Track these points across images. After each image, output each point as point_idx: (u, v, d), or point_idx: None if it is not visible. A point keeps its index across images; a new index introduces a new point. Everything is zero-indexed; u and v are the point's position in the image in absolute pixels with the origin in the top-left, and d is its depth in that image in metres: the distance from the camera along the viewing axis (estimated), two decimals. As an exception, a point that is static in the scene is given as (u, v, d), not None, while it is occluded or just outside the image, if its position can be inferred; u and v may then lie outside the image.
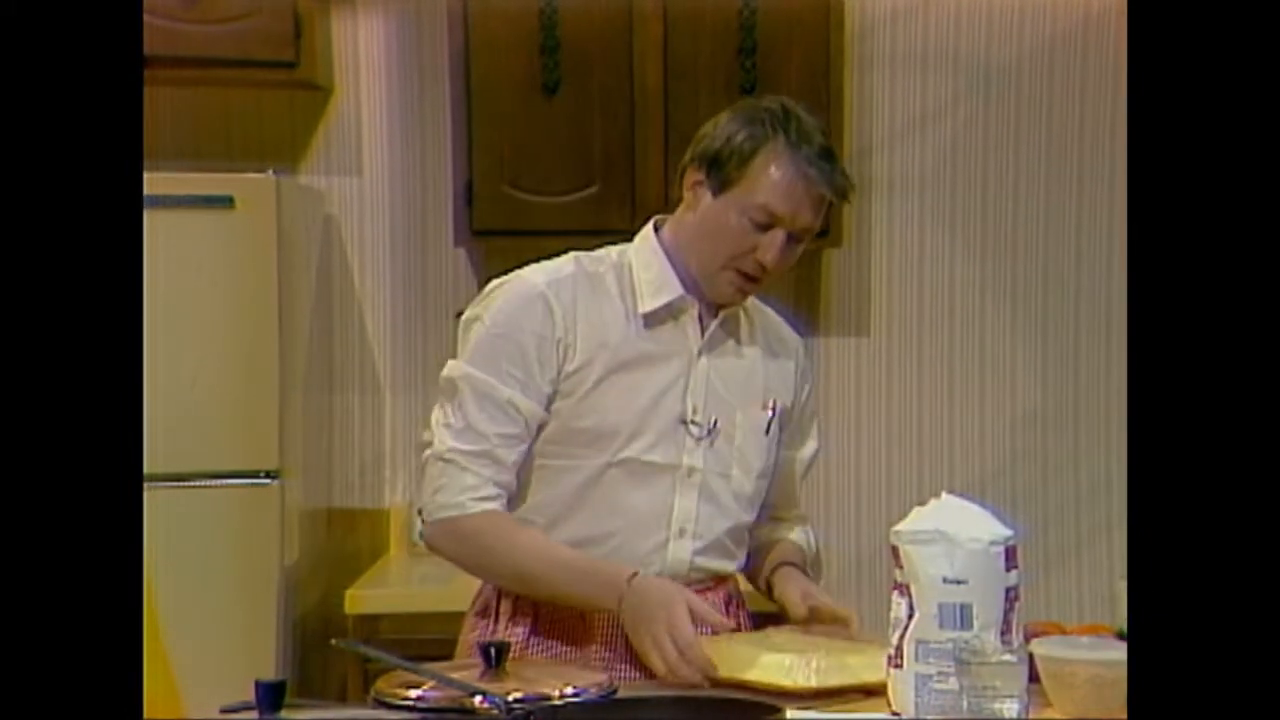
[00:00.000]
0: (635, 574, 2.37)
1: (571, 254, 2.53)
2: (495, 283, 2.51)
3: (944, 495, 2.15)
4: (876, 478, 4.12)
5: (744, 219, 2.41)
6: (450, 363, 2.48)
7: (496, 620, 2.49)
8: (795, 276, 4.06)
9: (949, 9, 4.05)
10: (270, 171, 3.54)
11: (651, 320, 2.47)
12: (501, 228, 3.73)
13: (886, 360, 4.11)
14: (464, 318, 2.51)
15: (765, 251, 2.42)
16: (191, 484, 3.43)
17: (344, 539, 3.98)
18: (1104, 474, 4.08)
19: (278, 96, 3.98)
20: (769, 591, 2.61)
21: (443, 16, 3.78)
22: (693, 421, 2.47)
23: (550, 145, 3.71)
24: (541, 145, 3.71)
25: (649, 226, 2.55)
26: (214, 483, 3.48)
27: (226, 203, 3.46)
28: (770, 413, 2.57)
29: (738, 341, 2.55)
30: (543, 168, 3.71)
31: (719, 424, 2.49)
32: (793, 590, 2.51)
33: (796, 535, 2.68)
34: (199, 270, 3.45)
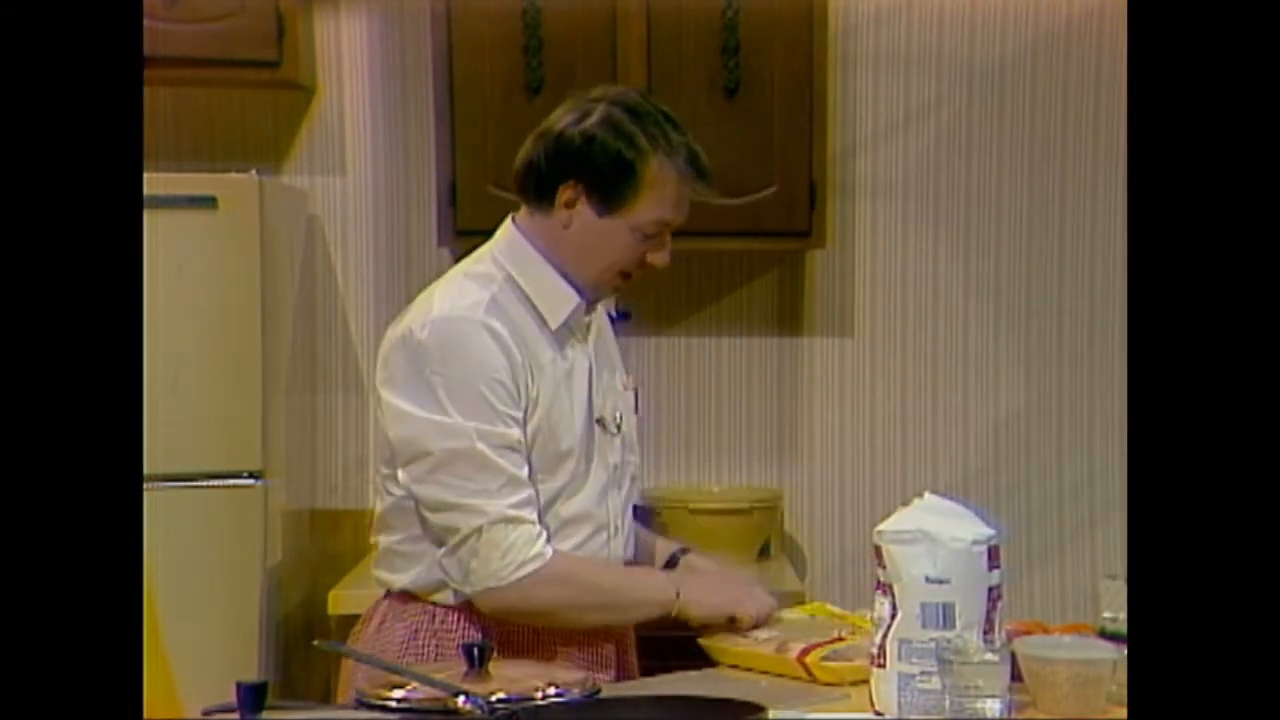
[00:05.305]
0: (678, 593, 2.45)
1: (459, 275, 2.49)
2: (419, 324, 2.38)
3: (926, 495, 2.15)
4: (860, 477, 4.12)
5: (636, 234, 2.44)
6: (444, 427, 2.34)
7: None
8: (779, 278, 4.06)
9: (932, 10, 4.05)
10: (253, 171, 3.53)
11: (559, 333, 2.47)
12: (485, 228, 3.62)
13: (870, 360, 4.11)
14: (413, 372, 2.36)
15: (657, 255, 2.46)
16: (174, 485, 3.41)
17: (327, 539, 3.98)
18: (1086, 473, 4.09)
19: (260, 96, 3.97)
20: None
21: (425, 16, 3.77)
22: (601, 420, 2.50)
23: (533, 145, 3.70)
24: (525, 145, 3.70)
25: (513, 230, 2.51)
26: (197, 483, 3.46)
27: (209, 203, 3.45)
28: (634, 387, 2.63)
29: (599, 330, 2.59)
30: (526, 168, 3.70)
31: (621, 415, 2.54)
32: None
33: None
34: (182, 270, 3.43)
